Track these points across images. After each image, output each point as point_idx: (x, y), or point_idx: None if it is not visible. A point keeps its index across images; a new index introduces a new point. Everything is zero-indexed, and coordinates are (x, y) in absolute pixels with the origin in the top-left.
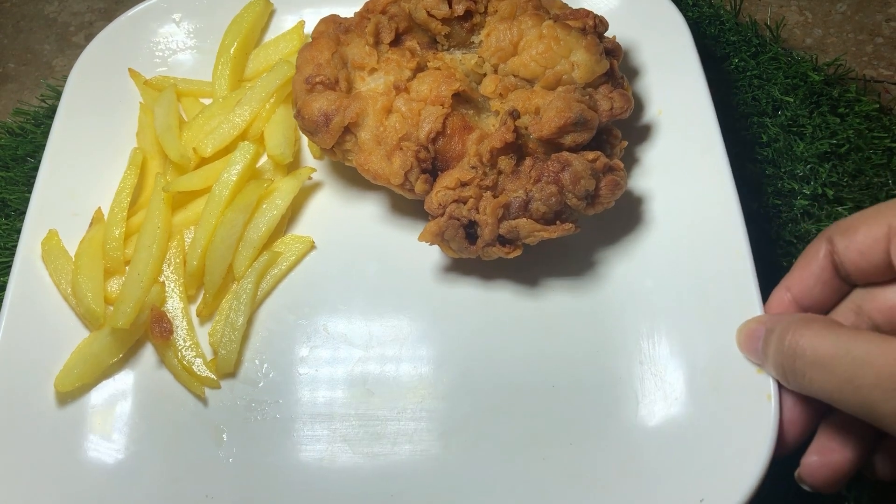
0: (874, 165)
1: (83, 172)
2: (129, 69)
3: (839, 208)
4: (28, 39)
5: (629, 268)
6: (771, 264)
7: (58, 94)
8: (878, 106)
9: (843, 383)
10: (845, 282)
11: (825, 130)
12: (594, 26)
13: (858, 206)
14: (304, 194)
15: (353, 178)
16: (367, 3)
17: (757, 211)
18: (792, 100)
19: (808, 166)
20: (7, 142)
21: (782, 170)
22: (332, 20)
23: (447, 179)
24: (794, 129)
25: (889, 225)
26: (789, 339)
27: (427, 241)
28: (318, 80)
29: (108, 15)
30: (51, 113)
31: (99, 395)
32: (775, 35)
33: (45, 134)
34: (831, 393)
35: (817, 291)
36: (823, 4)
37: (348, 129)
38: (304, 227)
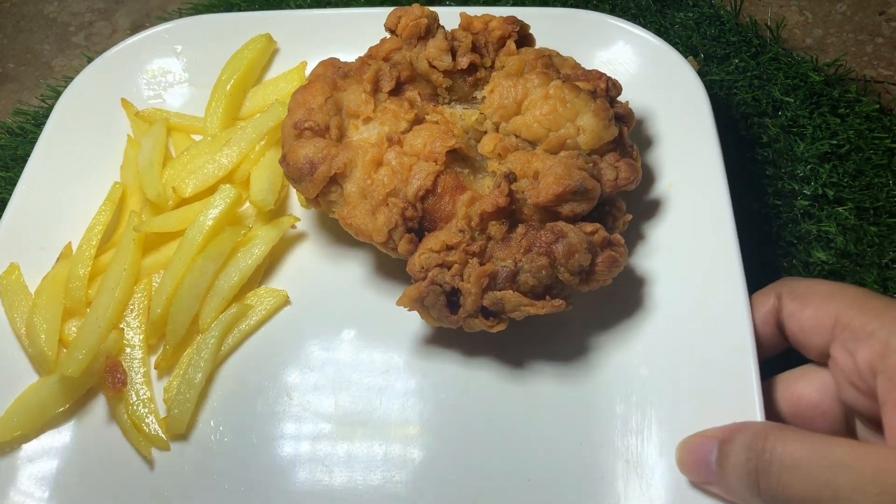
0: (874, 166)
1: (58, 204)
2: (122, 99)
3: (839, 209)
4: (28, 39)
5: (623, 354)
6: (771, 265)
7: (57, 95)
8: (878, 106)
9: (821, 487)
10: (785, 340)
11: (825, 131)
12: (606, 89)
13: (859, 207)
14: (285, 245)
15: (340, 232)
16: (370, 49)
17: (757, 211)
18: (792, 100)
19: (809, 167)
20: (7, 142)
21: (783, 170)
22: (332, 63)
23: (432, 241)
24: (795, 130)
25: (837, 316)
26: (767, 445)
27: (406, 307)
28: (307, 125)
29: (108, 15)
30: (51, 113)
31: (37, 447)
32: (775, 35)
33: None
34: (808, 499)
35: (762, 338)
36: (823, 5)
37: (334, 180)
38: (282, 280)
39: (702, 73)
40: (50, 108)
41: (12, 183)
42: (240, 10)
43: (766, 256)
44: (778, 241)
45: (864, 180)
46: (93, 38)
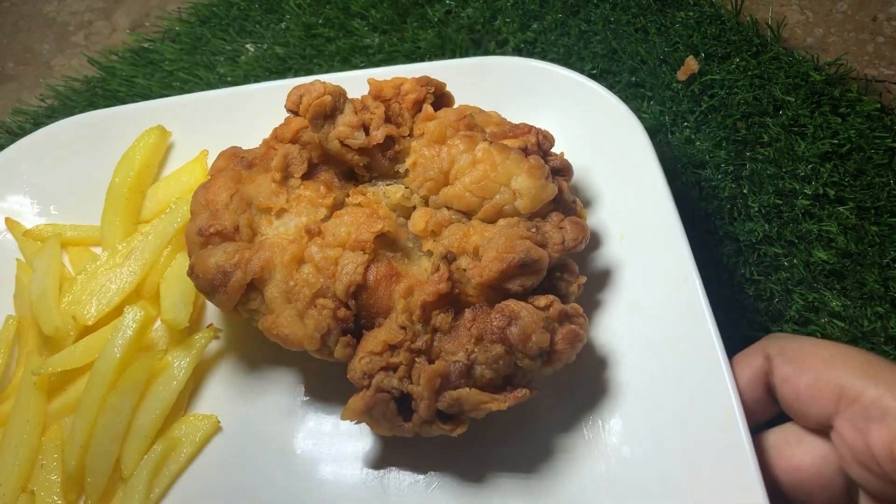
0: (875, 165)
1: None
2: (6, 218)
3: (840, 208)
4: (27, 39)
5: (598, 435)
6: (773, 265)
7: (57, 94)
8: (879, 105)
9: None
10: (775, 404)
11: (826, 130)
12: (537, 143)
13: (860, 206)
14: (209, 362)
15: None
16: (274, 131)
17: (758, 211)
18: (793, 99)
19: (810, 166)
20: (6, 141)
21: (783, 169)
22: (233, 154)
23: (372, 343)
24: (796, 129)
25: (841, 386)
26: None
27: (351, 420)
28: (212, 229)
29: (107, 14)
30: (50, 112)
31: None
32: (776, 34)
33: None
34: None
35: (751, 403)
36: (824, 4)
37: (253, 286)
38: (209, 401)
39: (702, 73)
40: (49, 108)
41: None
42: (239, 10)
43: (767, 256)
44: (779, 240)
45: (866, 180)
46: (92, 37)
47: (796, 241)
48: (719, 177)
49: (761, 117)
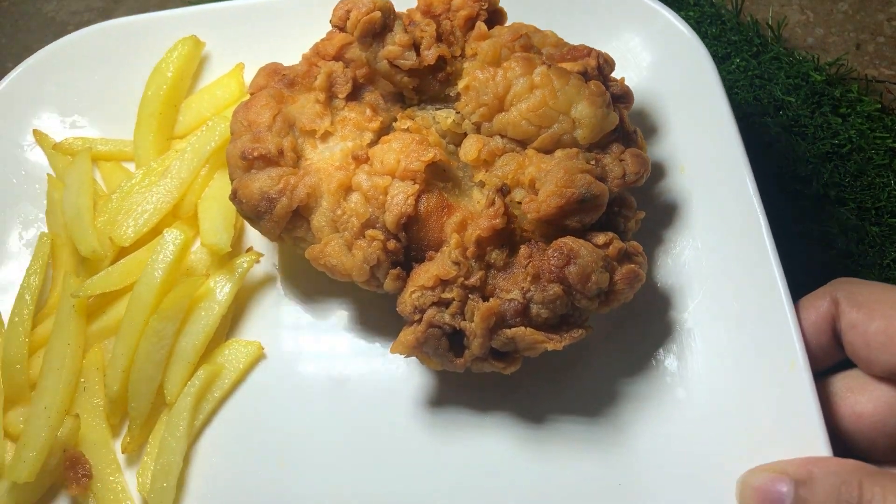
0: (876, 166)
1: None
2: (34, 130)
3: (841, 209)
4: (26, 38)
5: (653, 378)
6: None
7: None
8: (879, 106)
9: None
10: (841, 350)
11: (827, 130)
12: (598, 67)
13: (861, 207)
14: (251, 287)
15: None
16: (315, 46)
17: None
18: (793, 100)
19: (810, 166)
20: None
21: (784, 170)
22: (273, 71)
23: (424, 276)
24: (796, 129)
25: None
26: (864, 495)
27: (402, 354)
28: (256, 153)
29: (107, 14)
30: None
31: None
32: (777, 35)
33: None
34: None
35: (815, 349)
36: (825, 4)
37: (299, 213)
38: (252, 329)
39: None
40: None
41: None
42: None
43: None
44: (779, 241)
45: (866, 180)
46: None
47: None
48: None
49: (762, 117)
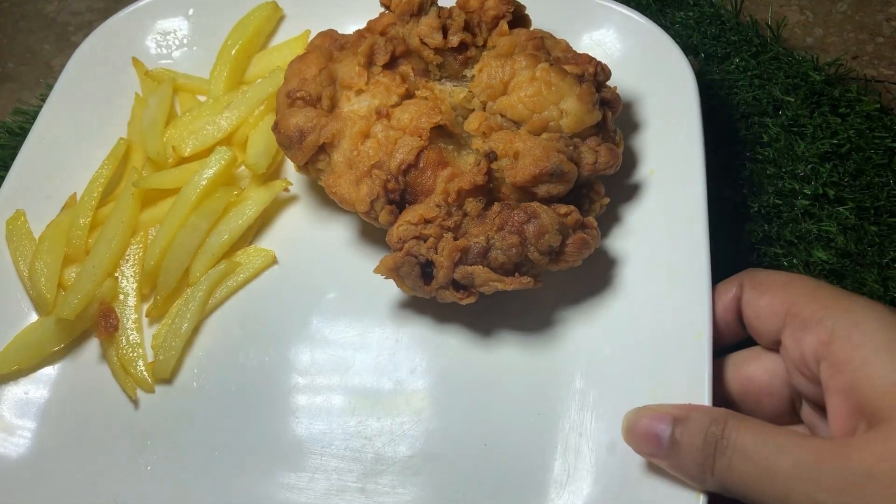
0: (875, 165)
1: (66, 156)
2: (133, 58)
3: (840, 208)
4: (27, 39)
5: (588, 331)
6: (772, 265)
7: None
8: (878, 106)
9: (761, 473)
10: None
11: (826, 130)
12: (594, 74)
13: (860, 206)
14: (276, 207)
15: (329, 198)
16: (369, 23)
17: (758, 211)
18: (793, 99)
19: (809, 166)
20: (6, 141)
21: (783, 169)
22: (330, 35)
23: (411, 214)
24: (795, 129)
25: (790, 305)
26: (727, 431)
27: (382, 275)
28: (299, 94)
29: (108, 14)
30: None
31: (32, 381)
32: (776, 35)
33: None
34: (749, 483)
35: (724, 326)
36: (824, 4)
37: (323, 149)
38: (271, 240)
39: (702, 73)
40: None
41: None
42: None
43: (767, 255)
44: (779, 241)
45: (865, 180)
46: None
47: (796, 241)
48: (719, 177)
49: (761, 117)
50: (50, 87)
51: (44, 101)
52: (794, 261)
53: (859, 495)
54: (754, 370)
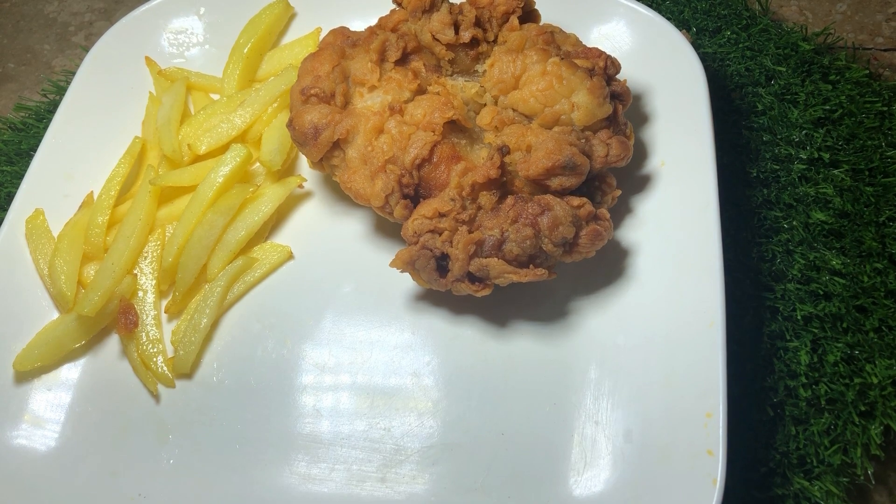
0: (867, 129)
1: (83, 155)
2: (146, 57)
3: (835, 171)
4: (28, 39)
5: (602, 321)
6: (773, 227)
7: (59, 90)
8: (867, 72)
9: None
10: None
11: (818, 97)
12: (604, 68)
13: (854, 169)
14: (292, 203)
15: (343, 193)
16: (380, 19)
17: (756, 176)
18: (784, 69)
19: (804, 132)
20: (10, 137)
21: (779, 136)
22: (342, 32)
23: (426, 208)
24: (788, 97)
25: None
26: None
27: (398, 268)
28: (313, 91)
29: (108, 15)
30: (53, 108)
31: (54, 377)
32: (764, 7)
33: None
34: None
35: None
36: (823, 4)
37: (337, 145)
38: (286, 236)
39: (695, 46)
40: (52, 103)
41: (18, 177)
42: None
43: (767, 218)
44: (778, 204)
45: (858, 143)
46: (93, 38)
47: (794, 203)
48: (717, 145)
49: (754, 87)
50: (51, 83)
51: (45, 95)
52: (794, 223)
53: None
54: None
